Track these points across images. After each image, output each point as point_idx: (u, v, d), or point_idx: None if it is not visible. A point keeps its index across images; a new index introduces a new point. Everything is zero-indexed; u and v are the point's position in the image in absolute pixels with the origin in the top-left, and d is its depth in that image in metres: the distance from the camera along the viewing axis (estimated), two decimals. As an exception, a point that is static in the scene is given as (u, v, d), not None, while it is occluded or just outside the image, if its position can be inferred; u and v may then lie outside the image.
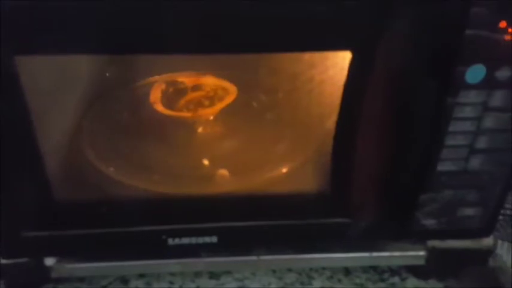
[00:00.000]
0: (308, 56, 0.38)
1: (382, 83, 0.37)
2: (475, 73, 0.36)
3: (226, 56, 0.38)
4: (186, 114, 0.51)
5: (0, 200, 0.41)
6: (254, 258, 0.47)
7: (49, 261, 0.46)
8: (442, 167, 0.41)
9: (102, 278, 0.51)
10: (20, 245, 0.44)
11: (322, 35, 0.35)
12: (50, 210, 0.43)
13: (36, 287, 0.49)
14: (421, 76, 0.37)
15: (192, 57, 0.43)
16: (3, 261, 0.45)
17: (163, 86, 0.52)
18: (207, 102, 0.52)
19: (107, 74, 0.49)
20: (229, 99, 0.50)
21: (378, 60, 0.36)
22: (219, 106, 0.50)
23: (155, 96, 0.51)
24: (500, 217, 0.67)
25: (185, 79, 0.53)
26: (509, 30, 0.35)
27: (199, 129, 0.51)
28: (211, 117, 0.52)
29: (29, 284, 0.48)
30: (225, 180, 0.46)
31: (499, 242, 0.61)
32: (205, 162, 0.49)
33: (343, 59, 0.36)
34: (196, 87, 0.53)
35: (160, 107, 0.50)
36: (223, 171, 0.46)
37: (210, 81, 0.52)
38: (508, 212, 0.67)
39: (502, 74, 0.36)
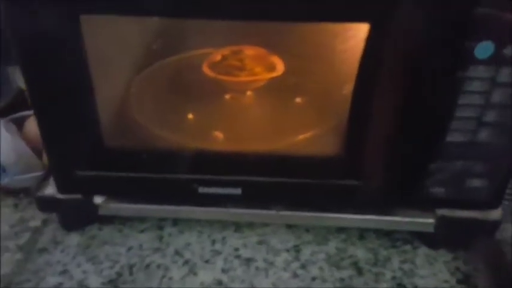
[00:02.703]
0: (330, 27, 0.42)
1: (397, 55, 0.40)
2: (484, 49, 0.39)
3: (258, 24, 0.43)
4: (229, 78, 0.55)
5: (60, 143, 0.48)
6: (273, 212, 0.52)
7: (98, 199, 0.53)
8: (451, 137, 0.44)
9: (141, 223, 0.58)
10: (74, 183, 0.51)
11: (344, 7, 0.39)
12: (100, 154, 0.49)
13: (85, 223, 0.57)
14: (434, 50, 0.40)
15: (232, 29, 0.47)
16: (59, 195, 0.52)
17: (216, 55, 0.57)
18: (251, 70, 0.56)
19: (154, 47, 0.54)
20: (276, 73, 0.54)
21: (393, 33, 0.39)
22: (263, 77, 0.55)
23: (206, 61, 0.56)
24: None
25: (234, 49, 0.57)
26: (519, 9, 0.38)
27: (234, 96, 0.56)
28: (254, 87, 0.56)
29: (79, 219, 0.56)
30: (219, 141, 0.51)
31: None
32: (238, 125, 0.54)
33: (362, 30, 0.40)
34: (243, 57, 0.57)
35: (207, 70, 0.55)
36: (218, 133, 0.51)
37: (260, 52, 0.56)
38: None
39: (510, 51, 0.39)
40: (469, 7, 0.37)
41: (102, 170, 0.50)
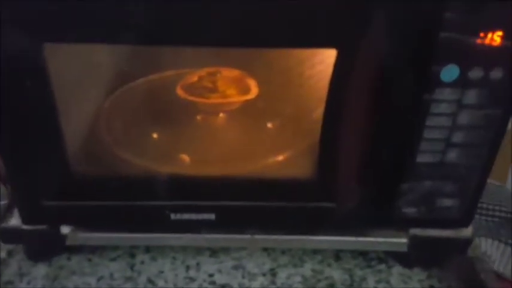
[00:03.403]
0: (298, 53, 0.43)
1: (364, 79, 0.41)
2: (450, 72, 0.40)
3: (225, 51, 0.43)
4: (199, 99, 0.54)
5: (24, 172, 0.46)
6: (248, 236, 0.52)
7: (65, 229, 0.51)
8: (421, 158, 0.44)
9: (111, 251, 0.56)
10: (40, 213, 0.49)
11: (311, 34, 0.39)
12: (67, 183, 0.47)
13: (52, 254, 0.55)
14: (400, 73, 0.40)
15: (206, 51, 0.47)
16: (24, 226, 0.50)
17: (193, 76, 0.56)
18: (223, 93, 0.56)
19: (125, 68, 0.54)
20: (249, 96, 0.54)
21: (360, 58, 0.40)
22: (234, 99, 0.54)
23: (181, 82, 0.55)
24: (489, 218, 0.70)
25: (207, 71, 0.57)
26: (481, 34, 0.39)
27: (204, 118, 0.56)
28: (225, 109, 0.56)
29: (46, 250, 0.54)
30: (185, 164, 0.50)
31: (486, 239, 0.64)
32: (209, 147, 0.54)
33: (329, 56, 0.40)
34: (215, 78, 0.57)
35: (181, 91, 0.54)
36: (185, 156, 0.50)
37: (237, 74, 0.56)
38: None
39: (475, 74, 0.40)
40: (433, 32, 0.38)
41: (69, 199, 0.48)
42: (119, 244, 0.55)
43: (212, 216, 0.49)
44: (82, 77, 0.48)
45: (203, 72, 0.55)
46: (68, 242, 0.52)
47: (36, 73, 0.41)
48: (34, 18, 0.38)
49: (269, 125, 0.54)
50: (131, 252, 0.56)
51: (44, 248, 0.53)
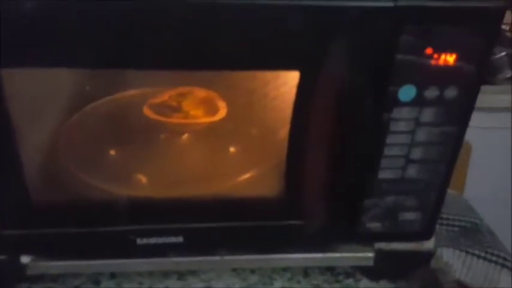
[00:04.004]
0: (262, 75, 0.43)
1: (327, 100, 0.42)
2: (407, 92, 0.42)
3: (190, 72, 0.43)
4: (162, 119, 0.54)
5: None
6: (217, 258, 0.51)
7: (25, 259, 0.49)
8: (382, 175, 0.46)
9: (74, 278, 0.54)
10: (-2, 243, 0.47)
11: (274, 56, 0.40)
12: (26, 211, 0.46)
13: (12, 285, 0.52)
14: (360, 93, 0.42)
15: (166, 73, 0.47)
16: (-19, 258, 0.48)
17: (163, 95, 0.55)
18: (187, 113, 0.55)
19: (87, 88, 0.52)
20: (213, 118, 0.54)
21: (322, 80, 0.41)
22: (195, 120, 0.54)
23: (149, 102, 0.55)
24: (450, 228, 0.72)
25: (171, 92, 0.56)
26: (435, 56, 0.40)
27: (168, 138, 0.55)
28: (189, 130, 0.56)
29: (5, 281, 0.51)
30: (141, 184, 0.49)
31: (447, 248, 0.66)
32: (175, 168, 0.53)
33: (292, 78, 0.41)
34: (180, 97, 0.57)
35: (147, 110, 0.54)
36: (141, 176, 0.50)
37: (208, 95, 0.56)
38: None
39: (431, 93, 0.42)
40: (390, 54, 0.40)
41: (29, 227, 0.46)
42: (82, 272, 0.54)
43: (180, 239, 0.48)
44: (42, 99, 0.47)
45: (174, 92, 0.55)
46: (29, 272, 0.49)
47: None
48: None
49: (235, 145, 0.54)
50: (95, 279, 0.54)
51: (3, 278, 0.51)
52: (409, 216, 0.48)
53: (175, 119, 0.55)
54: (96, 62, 0.40)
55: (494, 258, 0.68)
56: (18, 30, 0.37)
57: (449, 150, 0.45)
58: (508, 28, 1.18)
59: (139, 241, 0.48)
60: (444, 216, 0.74)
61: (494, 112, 1.09)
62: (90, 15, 0.37)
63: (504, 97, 1.09)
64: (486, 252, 0.69)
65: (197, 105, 0.55)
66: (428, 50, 0.40)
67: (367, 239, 0.51)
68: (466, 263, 0.67)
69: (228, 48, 0.39)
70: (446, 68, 0.41)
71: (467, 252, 0.69)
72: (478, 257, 0.68)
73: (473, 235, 0.74)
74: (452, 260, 0.67)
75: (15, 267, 0.49)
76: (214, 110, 0.54)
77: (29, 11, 0.36)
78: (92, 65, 0.41)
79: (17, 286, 0.52)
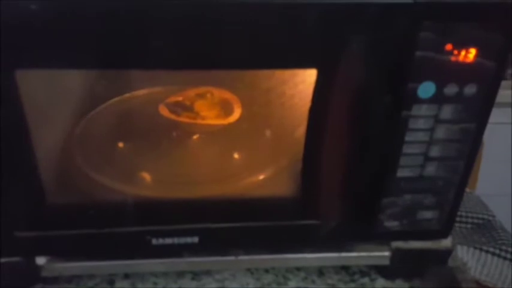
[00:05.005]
0: (279, 73, 0.43)
1: (344, 98, 0.41)
2: (426, 89, 0.41)
3: (207, 72, 0.42)
4: (177, 118, 0.54)
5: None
6: (232, 258, 0.51)
7: (40, 260, 0.49)
8: (400, 173, 0.45)
9: (89, 279, 0.54)
10: (13, 244, 0.46)
11: (292, 55, 0.40)
12: (42, 212, 0.46)
13: (27, 286, 0.52)
14: (379, 91, 0.41)
15: (181, 73, 0.47)
16: (-3, 260, 0.48)
17: (179, 95, 0.55)
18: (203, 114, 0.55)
19: (100, 88, 0.52)
20: (226, 121, 0.54)
21: (340, 77, 0.40)
22: (207, 122, 0.54)
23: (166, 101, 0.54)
24: (463, 225, 0.72)
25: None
26: (455, 52, 0.40)
27: (184, 139, 0.55)
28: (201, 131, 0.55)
29: (20, 283, 0.51)
30: (145, 182, 0.49)
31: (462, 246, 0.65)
32: (189, 168, 0.53)
33: (310, 76, 0.40)
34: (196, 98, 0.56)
35: (163, 109, 0.53)
36: (145, 174, 0.50)
37: (225, 96, 0.56)
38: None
39: (450, 90, 0.41)
40: (410, 51, 0.39)
41: (44, 229, 0.46)
42: (97, 273, 0.53)
43: (196, 240, 0.48)
44: (56, 100, 0.47)
45: (192, 91, 0.55)
46: (44, 274, 0.49)
47: (8, 98, 0.39)
48: (5, 45, 0.36)
49: (250, 145, 0.54)
50: (110, 279, 0.54)
51: (18, 280, 0.50)
52: (427, 214, 0.48)
53: (184, 118, 0.55)
54: (109, 62, 0.40)
55: (509, 256, 0.67)
56: (31, 31, 0.37)
57: (468, 148, 0.45)
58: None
59: (154, 241, 0.47)
60: (458, 213, 0.73)
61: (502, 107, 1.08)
62: (101, 16, 0.37)
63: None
64: (500, 250, 0.68)
65: (211, 106, 0.54)
66: (448, 47, 0.40)
67: (384, 238, 0.50)
68: (480, 261, 0.67)
69: (246, 48, 0.38)
70: (465, 65, 0.40)
71: (481, 250, 0.68)
72: (493, 254, 0.68)
73: (486, 232, 0.74)
74: (466, 257, 0.67)
75: (31, 268, 0.49)
76: (227, 113, 0.53)
77: (42, 12, 0.36)
78: (105, 66, 0.40)
79: (32, 287, 0.52)
